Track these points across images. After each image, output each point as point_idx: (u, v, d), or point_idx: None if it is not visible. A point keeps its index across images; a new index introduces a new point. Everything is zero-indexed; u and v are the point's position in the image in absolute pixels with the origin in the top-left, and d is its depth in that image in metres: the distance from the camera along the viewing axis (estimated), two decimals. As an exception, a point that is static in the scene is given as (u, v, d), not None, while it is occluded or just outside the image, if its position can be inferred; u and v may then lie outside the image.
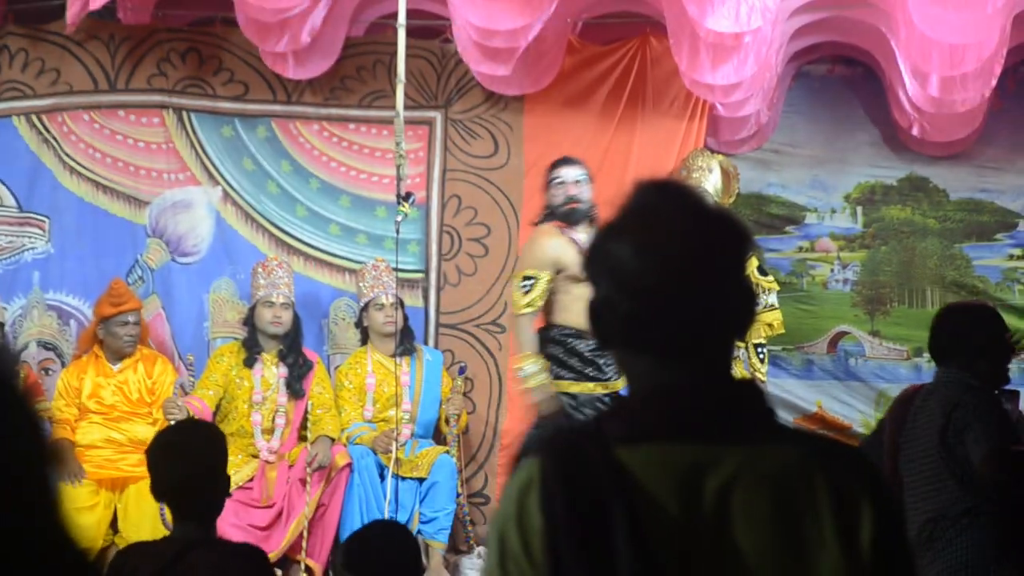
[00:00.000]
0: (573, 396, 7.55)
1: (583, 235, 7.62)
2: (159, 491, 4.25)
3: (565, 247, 7.59)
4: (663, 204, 2.19)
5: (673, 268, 2.14)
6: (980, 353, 5.62)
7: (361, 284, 8.80)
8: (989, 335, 5.67)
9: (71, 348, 8.97)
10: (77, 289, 9.03)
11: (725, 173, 8.12)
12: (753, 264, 7.82)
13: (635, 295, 2.14)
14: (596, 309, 2.20)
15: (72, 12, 8.43)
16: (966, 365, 5.63)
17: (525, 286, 7.53)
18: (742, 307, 2.21)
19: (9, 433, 1.12)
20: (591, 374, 7.54)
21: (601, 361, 7.52)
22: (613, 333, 2.19)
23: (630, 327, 2.16)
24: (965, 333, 5.67)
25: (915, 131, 9.22)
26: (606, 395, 7.55)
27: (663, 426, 2.14)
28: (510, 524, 2.13)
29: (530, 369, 7.49)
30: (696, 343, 2.17)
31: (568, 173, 7.79)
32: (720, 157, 8.21)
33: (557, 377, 7.53)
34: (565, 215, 7.71)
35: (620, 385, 7.52)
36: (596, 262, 2.19)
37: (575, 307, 7.50)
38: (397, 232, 7.83)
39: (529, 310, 7.50)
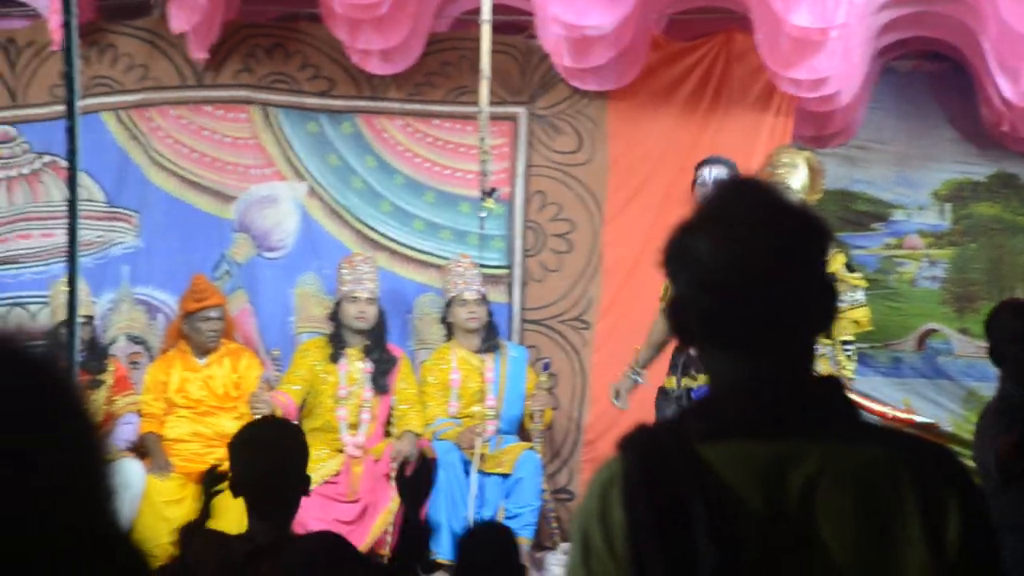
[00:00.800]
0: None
1: None
2: (236, 486, 4.25)
3: None
4: (741, 200, 2.18)
5: (751, 263, 2.13)
6: (1009, 352, 5.48)
7: (446, 280, 8.82)
8: (1012, 332, 5.50)
9: (159, 342, 9.05)
10: (165, 283, 9.10)
11: (812, 169, 8.06)
12: (840, 260, 7.76)
13: (714, 290, 2.14)
14: (675, 305, 2.19)
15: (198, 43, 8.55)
16: (1002, 365, 5.51)
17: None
18: (823, 303, 2.20)
19: (60, 432, 1.12)
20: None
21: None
22: (693, 329, 2.19)
23: (709, 323, 2.16)
24: (993, 332, 5.54)
25: (1004, 127, 9.12)
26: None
27: (744, 421, 2.13)
28: (593, 521, 2.13)
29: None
30: (776, 338, 2.16)
31: (708, 173, 7.40)
32: (807, 153, 8.15)
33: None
34: None
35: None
36: (674, 258, 2.19)
37: None
38: (481, 228, 7.84)
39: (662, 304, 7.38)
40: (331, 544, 4.21)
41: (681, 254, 2.17)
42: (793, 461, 2.09)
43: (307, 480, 4.27)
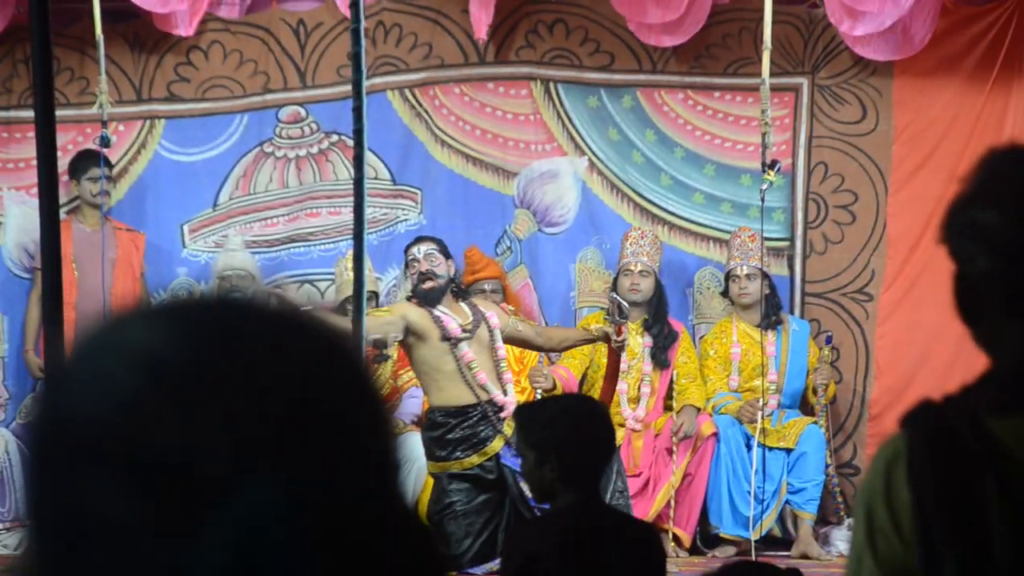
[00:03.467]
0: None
1: (448, 311, 7.45)
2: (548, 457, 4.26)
3: (426, 319, 7.37)
4: None
5: None
6: None
7: (728, 253, 8.77)
8: None
9: (443, 316, 9.18)
10: (448, 259, 9.24)
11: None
12: None
13: (1015, 263, 2.07)
14: (963, 280, 2.12)
15: None
16: None
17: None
18: None
19: (348, 406, 1.14)
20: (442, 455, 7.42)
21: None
22: (986, 304, 2.12)
23: (1010, 296, 2.09)
24: None
25: None
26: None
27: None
28: (877, 499, 2.08)
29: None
30: None
31: (418, 250, 7.59)
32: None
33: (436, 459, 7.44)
34: (423, 297, 7.48)
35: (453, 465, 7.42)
36: (960, 232, 2.12)
37: (449, 385, 7.41)
38: (762, 200, 7.77)
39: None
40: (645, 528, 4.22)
41: (969, 227, 2.11)
42: (1090, 439, 2.02)
43: (612, 450, 4.35)
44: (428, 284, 7.47)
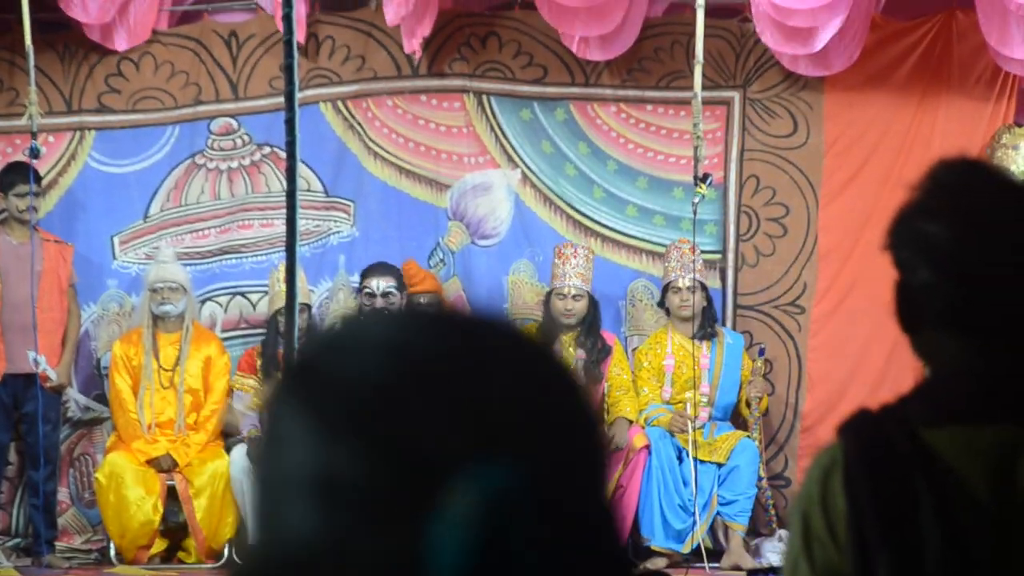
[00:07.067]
0: None
1: None
2: None
3: None
4: (976, 183, 2.13)
5: (996, 250, 2.08)
6: None
7: (664, 265, 8.79)
8: None
9: (375, 330, 9.16)
10: (381, 271, 9.22)
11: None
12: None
13: (955, 277, 2.09)
14: (903, 290, 2.14)
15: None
16: None
17: None
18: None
19: (574, 408, 1.22)
20: None
21: None
22: (925, 315, 2.13)
23: (948, 310, 2.10)
24: None
25: None
26: None
27: (973, 407, 2.08)
28: (814, 507, 2.10)
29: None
30: (1015, 326, 2.10)
31: (377, 284, 7.56)
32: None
33: None
34: None
35: None
36: (904, 243, 2.13)
37: None
38: (694, 213, 7.79)
39: None
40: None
41: (913, 239, 2.12)
42: (1022, 449, 2.04)
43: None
44: None
